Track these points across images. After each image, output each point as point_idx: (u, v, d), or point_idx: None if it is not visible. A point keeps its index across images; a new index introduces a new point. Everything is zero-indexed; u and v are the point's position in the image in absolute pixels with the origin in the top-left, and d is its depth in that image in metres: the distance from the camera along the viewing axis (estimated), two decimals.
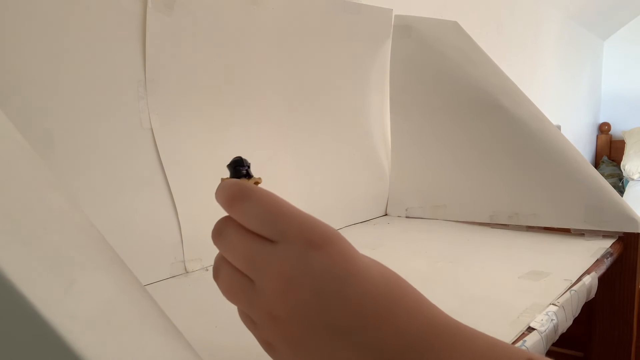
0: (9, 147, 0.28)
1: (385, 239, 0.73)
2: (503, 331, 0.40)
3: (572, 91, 2.83)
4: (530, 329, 0.41)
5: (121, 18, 0.51)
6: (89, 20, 0.48)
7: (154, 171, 0.54)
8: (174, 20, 0.55)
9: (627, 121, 3.34)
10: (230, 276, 0.27)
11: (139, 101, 0.53)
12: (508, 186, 0.76)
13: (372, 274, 0.26)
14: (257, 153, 0.66)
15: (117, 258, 0.27)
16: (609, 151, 3.37)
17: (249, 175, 0.30)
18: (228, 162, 0.30)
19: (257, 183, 0.30)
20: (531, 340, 0.39)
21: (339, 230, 0.77)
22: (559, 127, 1.91)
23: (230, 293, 0.28)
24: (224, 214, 0.28)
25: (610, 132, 3.40)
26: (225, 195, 0.27)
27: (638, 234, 0.68)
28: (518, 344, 0.38)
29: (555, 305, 0.45)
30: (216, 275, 0.28)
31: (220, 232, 0.28)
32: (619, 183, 3.12)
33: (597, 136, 3.41)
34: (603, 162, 3.30)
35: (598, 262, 0.59)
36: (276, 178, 0.69)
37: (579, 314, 0.49)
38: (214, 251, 0.29)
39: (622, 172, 3.13)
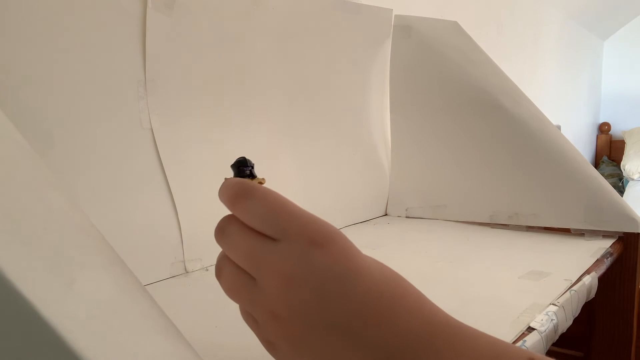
0: (9, 147, 0.28)
1: (385, 239, 0.73)
2: (503, 331, 0.40)
3: (572, 91, 2.83)
4: (530, 329, 0.41)
5: (121, 18, 0.51)
6: (89, 20, 0.48)
7: (154, 171, 0.54)
8: (174, 20, 0.55)
9: (627, 121, 3.34)
10: (233, 274, 0.27)
11: (139, 101, 0.53)
12: (508, 186, 0.76)
13: (374, 273, 0.26)
14: (257, 153, 0.66)
15: (117, 258, 0.27)
16: (609, 151, 3.37)
17: (252, 176, 0.30)
18: (232, 162, 0.30)
19: (260, 183, 0.30)
20: (531, 340, 0.39)
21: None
22: (559, 127, 1.91)
23: (232, 291, 0.28)
24: (225, 213, 0.28)
25: (610, 132, 3.40)
26: (228, 193, 0.27)
27: (638, 234, 0.67)
28: (518, 344, 0.38)
29: (555, 305, 0.45)
30: (219, 274, 0.29)
31: (223, 230, 0.28)
32: (619, 183, 3.12)
33: (597, 136, 3.41)
34: (603, 162, 3.30)
35: (598, 262, 0.59)
36: (276, 178, 0.69)
37: (579, 314, 0.49)
38: (214, 251, 0.29)
39: (622, 172, 3.13)
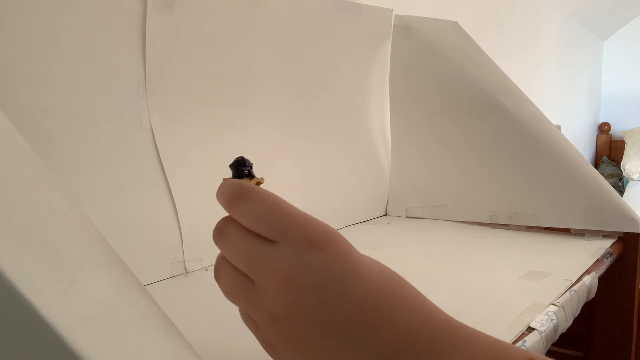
0: (9, 147, 0.28)
1: (385, 239, 0.73)
2: (503, 331, 0.40)
3: (572, 91, 2.83)
4: (530, 329, 0.41)
5: (121, 18, 0.51)
6: (89, 20, 0.48)
7: (154, 171, 0.54)
8: (174, 20, 0.55)
9: (627, 121, 3.34)
10: (231, 276, 0.27)
11: (139, 101, 0.53)
12: (508, 186, 0.76)
13: (373, 274, 0.26)
14: (257, 153, 0.66)
15: (117, 258, 0.27)
16: (609, 151, 3.37)
17: (251, 175, 0.30)
18: (230, 162, 0.30)
19: (259, 183, 0.30)
20: (531, 340, 0.39)
21: (339, 231, 0.77)
22: (559, 127, 1.91)
23: (231, 293, 0.28)
24: (225, 213, 0.28)
25: (610, 132, 3.40)
26: (225, 195, 0.27)
27: (638, 234, 0.67)
28: (518, 344, 0.38)
29: (555, 305, 0.45)
30: (217, 276, 0.29)
31: (221, 232, 0.28)
32: (619, 183, 3.12)
33: (597, 136, 3.41)
34: (603, 162, 3.30)
35: (598, 262, 0.59)
36: (276, 178, 0.69)
37: (579, 314, 0.49)
38: (214, 251, 0.29)
39: (622, 172, 3.13)
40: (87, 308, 0.22)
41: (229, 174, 0.31)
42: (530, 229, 0.75)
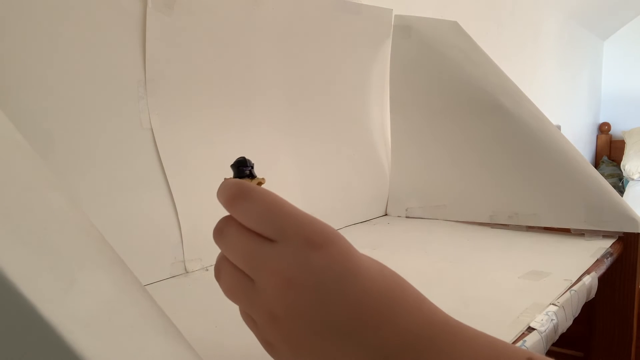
0: (9, 147, 0.28)
1: (385, 239, 0.73)
2: (503, 331, 0.40)
3: (572, 91, 2.83)
4: (530, 329, 0.41)
5: (121, 18, 0.51)
6: (89, 20, 0.48)
7: (154, 171, 0.54)
8: (174, 20, 0.55)
9: (627, 121, 3.34)
10: (231, 276, 0.27)
11: (139, 101, 0.53)
12: (508, 186, 0.76)
13: (372, 273, 0.26)
14: (257, 153, 0.66)
15: (117, 258, 0.27)
16: (609, 151, 3.37)
17: (252, 176, 0.30)
18: (230, 162, 0.30)
19: (260, 183, 0.30)
20: (531, 340, 0.39)
21: (339, 230, 0.77)
22: (559, 127, 1.91)
23: (231, 292, 0.28)
24: (225, 213, 0.28)
25: (610, 132, 3.40)
26: (226, 194, 0.27)
27: (638, 234, 0.67)
28: (518, 344, 0.38)
29: (555, 305, 0.45)
30: (217, 275, 0.29)
31: (221, 231, 0.28)
32: (619, 183, 3.12)
33: (597, 136, 3.41)
34: (603, 162, 3.30)
35: (598, 262, 0.59)
36: (276, 178, 0.69)
37: (579, 314, 0.49)
38: (214, 251, 0.29)
39: (622, 172, 3.13)
40: (87, 308, 0.22)
41: (229, 173, 0.31)
42: (530, 229, 0.75)
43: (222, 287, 0.28)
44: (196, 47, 0.57)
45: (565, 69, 2.65)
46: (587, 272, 0.55)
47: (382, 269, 0.27)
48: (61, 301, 0.21)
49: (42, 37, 0.45)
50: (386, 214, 0.89)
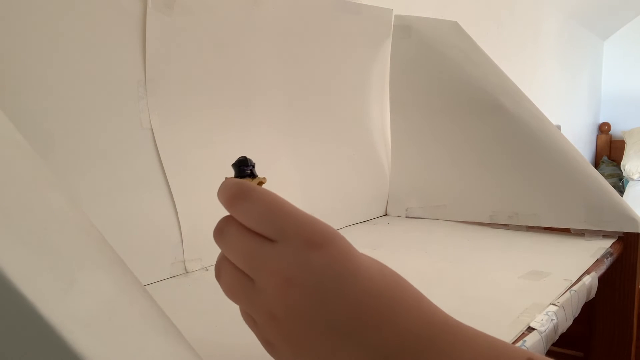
0: (9, 147, 0.28)
1: (385, 239, 0.73)
2: (503, 331, 0.40)
3: (572, 91, 2.83)
4: (530, 329, 0.41)
5: (121, 18, 0.51)
6: (89, 20, 0.48)
7: (154, 171, 0.54)
8: (174, 20, 0.55)
9: (627, 121, 3.34)
10: (232, 275, 0.27)
11: (139, 101, 0.53)
12: (508, 186, 0.76)
13: (372, 273, 0.26)
14: (257, 153, 0.66)
15: (117, 258, 0.27)
16: (609, 151, 3.37)
17: (253, 175, 0.30)
18: (231, 162, 0.30)
19: (261, 183, 0.30)
20: (531, 340, 0.39)
21: (339, 230, 0.77)
22: (559, 127, 1.91)
23: (231, 292, 0.28)
24: (224, 213, 0.28)
25: (610, 132, 3.40)
26: (226, 194, 0.27)
27: (638, 234, 0.67)
28: (518, 344, 0.38)
29: (555, 305, 0.45)
30: (218, 275, 0.29)
31: (221, 231, 0.28)
32: (619, 183, 3.12)
33: (597, 136, 3.41)
34: (603, 162, 3.30)
35: (598, 262, 0.59)
36: (276, 178, 0.69)
37: (579, 314, 0.49)
38: (214, 251, 0.29)
39: (622, 172, 3.13)
40: (87, 308, 0.22)
41: (229, 173, 0.31)
42: (530, 229, 0.75)
43: (222, 287, 0.28)
44: (196, 47, 0.57)
45: (565, 68, 2.65)
46: (587, 272, 0.55)
47: (382, 268, 0.27)
48: (61, 301, 0.21)
49: (42, 37, 0.45)
50: (386, 214, 0.89)
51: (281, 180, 0.70)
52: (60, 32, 0.46)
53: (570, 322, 0.47)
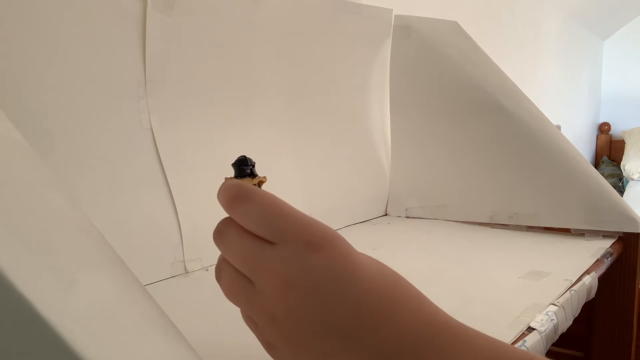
0: (9, 147, 0.28)
1: (385, 239, 0.73)
2: (503, 331, 0.40)
3: (572, 91, 2.83)
4: (530, 329, 0.41)
5: (121, 18, 0.51)
6: (89, 20, 0.48)
7: (154, 171, 0.54)
8: (174, 20, 0.55)
9: (627, 121, 3.34)
10: (231, 277, 0.27)
11: (139, 101, 0.53)
12: (508, 186, 0.76)
13: (372, 274, 0.26)
14: (257, 153, 0.66)
15: (117, 258, 0.27)
16: (609, 151, 3.37)
17: (253, 175, 0.30)
18: (231, 162, 0.30)
19: (261, 182, 0.30)
20: (531, 340, 0.39)
21: (339, 231, 0.77)
22: (559, 127, 1.91)
23: (231, 294, 0.28)
24: (225, 213, 0.28)
25: (610, 132, 3.40)
26: (225, 196, 0.27)
27: (638, 234, 0.67)
28: (518, 344, 0.38)
29: (555, 305, 0.45)
30: (218, 276, 0.29)
31: (221, 233, 0.28)
32: (619, 183, 3.12)
33: (597, 136, 3.41)
34: (603, 162, 3.30)
35: (598, 262, 0.59)
36: (276, 178, 0.69)
37: (579, 314, 0.49)
38: (214, 251, 0.29)
39: (622, 172, 3.13)
40: (87, 308, 0.22)
41: (229, 173, 0.31)
42: (530, 229, 0.75)
43: (222, 289, 0.28)
44: (196, 47, 0.57)
45: (565, 68, 2.65)
46: (587, 272, 0.55)
47: (382, 269, 0.27)
48: (61, 301, 0.21)
49: (42, 37, 0.45)
50: (386, 214, 0.89)
51: (281, 180, 0.70)
52: (60, 32, 0.46)
53: (570, 322, 0.47)
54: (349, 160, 0.82)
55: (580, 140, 3.05)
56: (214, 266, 0.30)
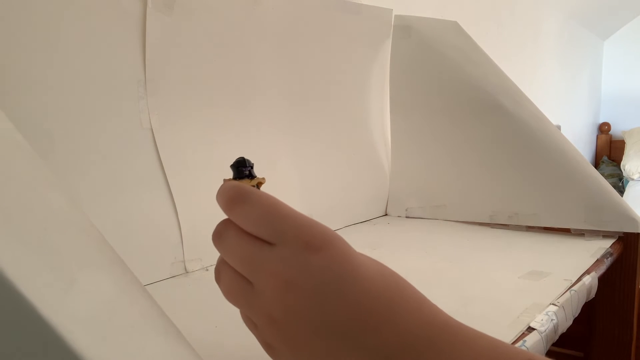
0: (9, 147, 0.28)
1: (385, 239, 0.73)
2: (503, 331, 0.40)
3: (572, 91, 2.83)
4: (530, 329, 0.41)
5: (121, 18, 0.51)
6: (89, 21, 0.48)
7: (154, 171, 0.54)
8: (174, 20, 0.55)
9: (627, 121, 3.34)
10: (231, 279, 0.27)
11: (139, 101, 0.53)
12: (508, 186, 0.76)
13: (371, 274, 0.26)
14: (257, 153, 0.66)
15: (117, 258, 0.27)
16: (609, 151, 3.37)
17: (251, 176, 0.30)
18: (230, 162, 0.30)
19: (260, 183, 0.30)
20: (531, 340, 0.39)
21: (339, 231, 0.77)
22: (559, 127, 1.91)
23: (230, 295, 0.28)
24: (224, 215, 0.28)
25: (610, 132, 3.40)
26: (224, 198, 0.27)
27: (638, 234, 0.67)
28: (518, 344, 0.38)
29: (555, 305, 0.45)
30: (218, 278, 0.29)
31: (220, 235, 0.28)
32: (619, 183, 3.12)
33: (597, 136, 3.41)
34: (603, 162, 3.30)
35: (598, 262, 0.59)
36: (276, 178, 0.69)
37: (579, 314, 0.49)
38: (214, 251, 0.29)
39: (622, 172, 3.13)
40: (87, 308, 0.22)
41: (229, 173, 0.31)
42: (530, 229, 0.75)
43: (222, 290, 0.28)
44: (196, 47, 0.57)
45: (565, 68, 2.65)
46: (587, 272, 0.55)
47: (382, 269, 0.27)
48: (61, 301, 0.21)
49: (42, 37, 0.45)
50: (386, 214, 0.89)
51: (281, 180, 0.70)
52: (60, 32, 0.46)
53: (570, 322, 0.47)
54: (348, 160, 0.82)
55: (580, 140, 3.05)
56: (214, 266, 0.30)
